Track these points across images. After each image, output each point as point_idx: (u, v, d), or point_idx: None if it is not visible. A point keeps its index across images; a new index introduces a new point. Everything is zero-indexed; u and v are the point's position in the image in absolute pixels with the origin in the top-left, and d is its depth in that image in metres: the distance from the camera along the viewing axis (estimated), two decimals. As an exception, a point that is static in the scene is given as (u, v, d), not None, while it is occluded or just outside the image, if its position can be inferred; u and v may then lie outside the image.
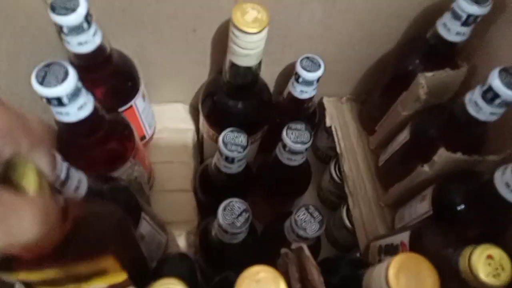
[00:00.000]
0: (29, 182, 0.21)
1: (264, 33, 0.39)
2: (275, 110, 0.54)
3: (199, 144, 0.61)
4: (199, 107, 0.53)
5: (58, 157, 0.29)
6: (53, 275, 0.25)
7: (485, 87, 0.37)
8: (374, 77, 0.57)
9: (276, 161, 0.48)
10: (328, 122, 0.60)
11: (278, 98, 0.55)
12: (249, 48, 0.40)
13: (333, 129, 0.59)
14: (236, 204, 0.41)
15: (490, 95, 0.36)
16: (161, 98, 0.58)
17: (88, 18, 0.36)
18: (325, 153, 0.67)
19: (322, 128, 0.64)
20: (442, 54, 0.45)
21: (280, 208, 0.56)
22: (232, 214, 0.40)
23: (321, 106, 0.61)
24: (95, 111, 0.35)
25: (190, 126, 0.61)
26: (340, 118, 0.61)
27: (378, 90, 0.56)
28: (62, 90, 0.31)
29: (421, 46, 0.46)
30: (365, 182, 0.56)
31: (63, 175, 0.30)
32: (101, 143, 0.39)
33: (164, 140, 0.58)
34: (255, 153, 0.58)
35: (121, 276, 0.27)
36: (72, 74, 0.31)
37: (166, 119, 0.59)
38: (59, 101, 0.32)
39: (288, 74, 0.55)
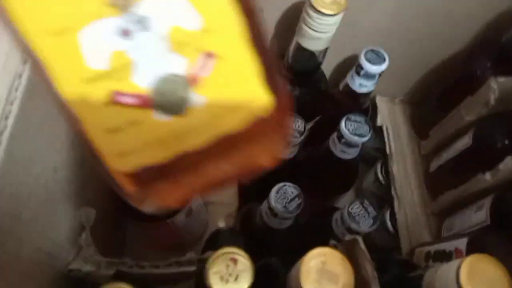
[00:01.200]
0: None
1: (339, 16, 0.38)
2: (329, 102, 0.53)
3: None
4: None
5: None
6: None
7: None
8: (432, 80, 0.56)
9: (327, 153, 0.47)
10: (379, 121, 0.58)
11: (332, 90, 0.54)
12: (322, 31, 0.39)
13: (384, 128, 0.57)
14: (289, 189, 0.40)
15: None
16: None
17: None
18: (369, 153, 0.65)
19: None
20: (517, 60, 0.43)
21: (323, 202, 0.55)
22: (285, 198, 0.39)
23: (372, 105, 0.60)
24: None
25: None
26: (391, 119, 0.59)
27: (437, 93, 0.54)
28: None
29: (494, 50, 0.45)
30: (412, 187, 0.54)
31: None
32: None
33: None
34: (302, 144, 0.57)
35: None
36: None
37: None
38: None
39: (346, 66, 0.54)
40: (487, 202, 0.42)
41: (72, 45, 0.14)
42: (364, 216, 0.39)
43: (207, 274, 0.27)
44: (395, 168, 0.55)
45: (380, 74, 0.47)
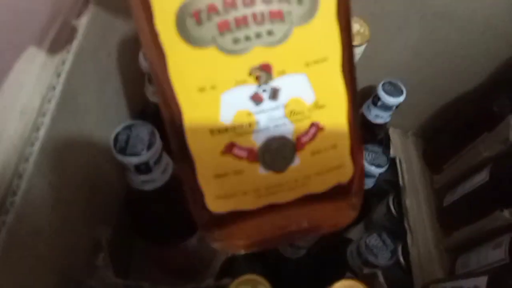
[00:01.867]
0: None
1: (363, 48, 0.39)
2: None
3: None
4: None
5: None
6: None
7: None
8: (446, 115, 0.56)
9: (342, 182, 0.46)
10: (392, 153, 0.58)
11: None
12: (344, 60, 0.40)
13: (397, 160, 0.57)
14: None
15: None
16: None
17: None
18: (380, 186, 0.65)
19: (382, 159, 0.63)
20: (535, 99, 0.44)
21: (334, 233, 0.54)
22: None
23: (385, 137, 0.60)
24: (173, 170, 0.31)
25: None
26: (404, 151, 0.59)
27: (451, 127, 0.54)
28: (150, 154, 0.27)
29: (512, 88, 0.45)
30: (425, 222, 0.54)
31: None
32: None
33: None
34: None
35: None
36: (157, 134, 0.28)
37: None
38: (146, 166, 0.28)
39: (362, 97, 0.54)
40: (506, 239, 0.41)
41: (213, 101, 0.17)
42: (382, 249, 0.38)
43: (226, 301, 0.26)
44: (409, 201, 0.54)
45: (396, 106, 0.47)
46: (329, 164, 0.19)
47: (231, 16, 0.16)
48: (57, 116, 0.24)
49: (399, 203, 0.56)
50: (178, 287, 0.29)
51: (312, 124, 0.18)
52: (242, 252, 0.22)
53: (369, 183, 0.45)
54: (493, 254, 0.42)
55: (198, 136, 0.17)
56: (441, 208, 0.53)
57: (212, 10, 0.16)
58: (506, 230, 0.42)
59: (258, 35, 0.16)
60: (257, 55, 0.16)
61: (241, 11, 0.16)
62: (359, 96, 0.55)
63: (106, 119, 0.32)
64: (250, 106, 0.17)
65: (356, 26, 0.38)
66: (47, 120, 0.23)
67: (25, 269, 0.23)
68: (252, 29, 0.16)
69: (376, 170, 0.43)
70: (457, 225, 0.49)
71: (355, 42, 0.38)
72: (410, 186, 0.55)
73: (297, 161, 0.18)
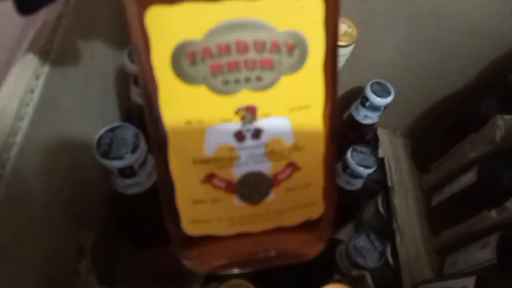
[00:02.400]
0: None
1: (350, 48, 0.39)
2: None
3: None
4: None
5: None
6: None
7: None
8: (434, 115, 0.56)
9: (331, 183, 0.46)
10: (381, 153, 0.58)
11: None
12: (332, 61, 0.39)
13: (385, 161, 0.57)
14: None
15: None
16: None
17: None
18: (369, 186, 0.65)
19: (371, 159, 0.63)
20: (522, 99, 0.44)
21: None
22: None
23: (374, 138, 0.60)
24: None
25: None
26: (393, 152, 0.59)
27: (439, 127, 0.54)
28: (134, 157, 0.27)
29: (500, 88, 0.45)
30: (414, 222, 0.54)
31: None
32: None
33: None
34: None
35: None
36: (142, 138, 0.28)
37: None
38: (130, 170, 0.28)
39: (350, 98, 0.54)
40: (493, 240, 0.41)
41: (199, 134, 0.18)
42: (370, 250, 0.38)
43: (213, 307, 0.26)
44: (397, 202, 0.54)
45: (385, 107, 0.47)
46: (302, 201, 0.21)
47: (224, 60, 0.17)
48: (37, 119, 0.23)
49: (387, 203, 0.56)
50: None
51: (289, 164, 0.19)
52: (211, 271, 0.23)
53: (357, 184, 0.45)
54: (481, 254, 0.42)
55: (181, 164, 0.19)
56: (429, 208, 0.53)
57: (206, 53, 0.17)
58: (494, 230, 0.42)
59: (247, 80, 0.17)
60: (244, 97, 0.18)
61: (234, 56, 0.17)
62: (348, 96, 0.55)
63: (90, 121, 0.31)
64: (233, 142, 0.18)
65: (344, 27, 0.38)
66: (25, 124, 0.22)
67: (5, 275, 0.22)
68: (242, 74, 0.17)
69: (364, 171, 0.43)
70: (445, 225, 0.49)
71: (342, 43, 0.37)
72: (398, 186, 0.55)
73: (272, 196, 0.20)
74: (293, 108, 0.18)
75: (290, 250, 0.23)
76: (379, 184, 0.60)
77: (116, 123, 0.28)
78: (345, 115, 0.51)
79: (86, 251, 0.29)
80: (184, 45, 0.16)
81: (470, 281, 0.38)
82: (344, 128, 0.52)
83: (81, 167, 0.30)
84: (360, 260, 0.38)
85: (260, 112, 0.18)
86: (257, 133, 0.18)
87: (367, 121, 0.49)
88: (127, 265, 0.41)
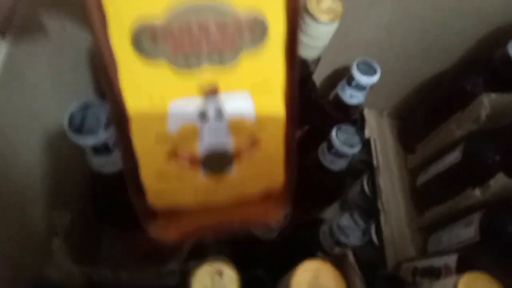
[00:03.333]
0: None
1: (335, 24, 0.37)
2: (318, 112, 0.52)
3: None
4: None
5: None
6: None
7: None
8: (420, 94, 0.56)
9: (315, 163, 0.45)
10: (367, 133, 0.58)
11: (321, 100, 0.53)
12: (316, 37, 0.38)
13: (371, 141, 0.57)
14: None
15: None
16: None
17: None
18: (355, 166, 0.65)
19: (357, 139, 0.62)
20: (507, 77, 0.43)
21: (308, 214, 0.54)
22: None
23: (360, 118, 0.59)
24: None
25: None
26: (379, 132, 0.59)
27: (425, 107, 0.54)
28: (108, 134, 0.26)
29: (485, 67, 0.45)
30: (398, 201, 0.54)
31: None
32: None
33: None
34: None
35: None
36: None
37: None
38: (105, 148, 0.27)
39: (336, 77, 0.53)
40: (476, 218, 0.42)
41: (161, 110, 0.18)
42: (353, 229, 0.38)
43: (190, 287, 0.25)
44: (382, 181, 0.54)
45: (371, 86, 0.46)
46: (263, 173, 0.22)
47: (185, 39, 0.17)
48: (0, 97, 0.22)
49: (373, 183, 0.56)
50: (138, 272, 0.28)
51: (251, 139, 0.20)
52: (179, 240, 0.23)
53: (342, 163, 0.44)
54: (464, 233, 0.43)
55: (144, 140, 0.19)
56: (415, 188, 0.53)
57: (168, 32, 0.17)
58: (477, 209, 0.42)
59: (209, 57, 0.18)
60: (206, 74, 0.18)
61: (196, 36, 0.17)
62: (334, 76, 0.54)
63: (62, 97, 0.30)
64: (195, 119, 0.19)
65: (328, 2, 0.37)
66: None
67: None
68: (204, 51, 0.17)
69: (349, 150, 0.43)
70: (430, 204, 0.49)
71: (327, 19, 0.36)
72: (384, 166, 0.55)
73: (234, 169, 0.21)
74: (254, 85, 0.19)
75: (253, 219, 0.24)
76: (365, 164, 0.60)
77: (88, 99, 0.26)
78: (332, 95, 0.51)
79: (60, 230, 0.28)
80: (144, 24, 0.16)
81: (452, 258, 0.38)
82: (330, 108, 0.51)
83: (54, 146, 0.29)
84: (343, 239, 0.38)
85: (222, 89, 0.18)
86: (219, 110, 0.19)
87: (353, 101, 0.48)
88: (108, 246, 0.40)
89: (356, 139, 0.43)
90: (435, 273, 0.39)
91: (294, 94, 0.20)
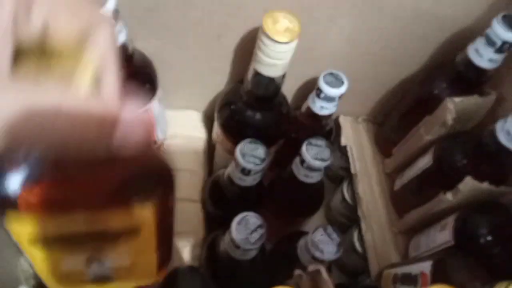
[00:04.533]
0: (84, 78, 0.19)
1: (293, 44, 0.38)
2: (291, 125, 0.52)
3: (210, 154, 0.59)
4: (214, 115, 0.51)
5: None
6: (70, 225, 0.21)
7: (520, 117, 0.35)
8: (394, 99, 0.56)
9: (291, 176, 0.46)
10: (343, 141, 0.58)
11: (295, 113, 0.54)
12: (276, 57, 0.39)
13: (348, 149, 0.57)
14: (251, 219, 0.39)
15: (526, 126, 0.35)
16: (175, 104, 0.56)
17: (115, 14, 0.35)
18: (336, 173, 0.65)
19: (335, 147, 0.63)
20: (471, 80, 0.44)
21: (290, 226, 0.54)
22: (247, 229, 0.38)
23: (336, 125, 0.60)
24: None
25: (202, 134, 0.59)
26: (355, 138, 0.59)
27: (397, 112, 0.54)
28: None
29: (449, 70, 0.45)
30: (378, 206, 0.54)
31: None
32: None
33: (175, 147, 0.57)
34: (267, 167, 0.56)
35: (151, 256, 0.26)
36: None
37: (178, 126, 0.58)
38: None
39: (308, 88, 0.53)
40: (450, 221, 0.42)
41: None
42: (328, 244, 0.39)
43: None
44: (361, 188, 0.54)
45: (340, 97, 0.47)
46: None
47: None
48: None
49: (353, 190, 0.57)
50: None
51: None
52: None
53: (316, 176, 0.45)
54: (440, 236, 0.43)
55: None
56: (393, 192, 0.54)
57: None
58: (451, 212, 0.43)
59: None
60: None
61: None
62: (305, 88, 0.55)
63: None
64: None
65: (285, 22, 0.37)
66: None
67: None
68: None
69: (321, 164, 0.43)
70: (408, 208, 0.50)
71: (284, 39, 0.37)
72: (362, 173, 0.56)
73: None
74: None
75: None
76: (346, 171, 0.61)
77: None
78: (304, 107, 0.51)
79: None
80: None
81: (427, 265, 0.39)
82: (303, 120, 0.52)
83: None
84: (318, 254, 0.38)
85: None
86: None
87: (325, 112, 0.49)
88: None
89: (327, 152, 0.44)
90: (412, 281, 0.40)
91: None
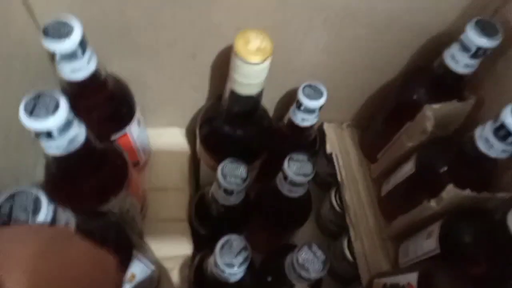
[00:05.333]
0: None
1: (267, 63, 0.38)
2: (274, 137, 0.52)
3: (196, 168, 0.59)
4: (196, 132, 0.51)
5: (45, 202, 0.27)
6: None
7: (497, 124, 0.35)
8: (376, 104, 0.56)
9: (275, 191, 0.46)
10: (328, 149, 0.58)
11: (277, 124, 0.53)
12: (251, 77, 0.38)
13: (333, 156, 0.57)
14: (235, 242, 0.38)
15: (503, 133, 0.35)
16: (157, 122, 0.56)
17: (83, 45, 0.35)
18: (324, 179, 0.65)
19: (322, 154, 0.62)
20: (449, 85, 0.44)
21: (279, 239, 0.54)
22: (231, 252, 0.38)
23: (321, 132, 0.59)
24: (86, 143, 0.33)
25: (186, 150, 0.59)
26: (340, 145, 0.59)
27: (380, 117, 0.54)
28: (52, 123, 0.29)
29: (427, 76, 0.45)
30: (367, 213, 0.54)
31: (49, 218, 0.27)
32: (92, 175, 0.37)
33: (159, 165, 0.56)
34: (252, 181, 0.56)
35: None
36: (63, 106, 0.29)
37: (161, 143, 0.57)
38: (49, 135, 0.30)
39: (289, 99, 0.53)
40: (435, 229, 0.42)
41: None
42: (313, 262, 0.38)
43: None
44: (348, 196, 0.54)
45: (320, 108, 0.47)
46: None
47: None
48: None
49: (340, 198, 0.57)
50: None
51: None
52: None
53: (300, 191, 0.45)
54: (427, 244, 0.43)
55: None
56: (380, 198, 0.54)
57: None
58: (436, 220, 0.43)
59: None
60: None
61: None
62: (286, 100, 0.55)
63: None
64: None
65: (256, 43, 0.37)
66: None
67: None
68: None
69: (303, 179, 0.43)
70: (395, 214, 0.50)
71: (257, 60, 0.36)
72: (348, 180, 0.56)
73: None
74: None
75: None
76: (333, 177, 0.60)
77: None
78: (285, 119, 0.51)
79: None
80: None
81: (414, 276, 0.39)
82: (286, 132, 0.51)
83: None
84: (303, 273, 0.38)
85: None
86: None
87: (306, 124, 0.49)
88: None
89: (309, 166, 0.43)
90: (400, 291, 0.40)
91: None
